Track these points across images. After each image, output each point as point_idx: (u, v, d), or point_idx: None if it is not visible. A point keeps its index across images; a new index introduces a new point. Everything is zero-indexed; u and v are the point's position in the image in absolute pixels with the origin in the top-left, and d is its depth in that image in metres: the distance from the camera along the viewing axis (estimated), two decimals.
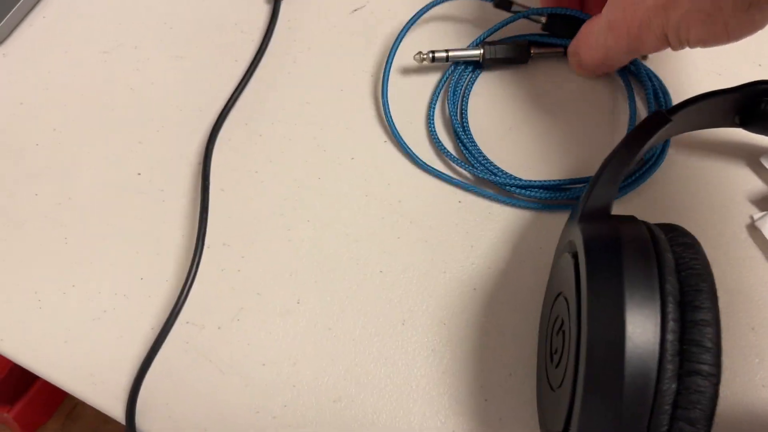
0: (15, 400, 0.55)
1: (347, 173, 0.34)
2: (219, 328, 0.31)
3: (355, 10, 0.38)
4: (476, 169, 0.34)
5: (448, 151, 0.34)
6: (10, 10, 0.37)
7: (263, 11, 0.38)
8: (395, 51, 0.35)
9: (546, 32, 0.36)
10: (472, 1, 0.37)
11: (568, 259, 0.25)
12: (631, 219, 0.25)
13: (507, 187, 0.33)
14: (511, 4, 0.36)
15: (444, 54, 0.35)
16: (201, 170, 0.33)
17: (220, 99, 0.36)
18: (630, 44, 0.29)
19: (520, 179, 0.33)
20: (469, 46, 0.36)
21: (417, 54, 0.35)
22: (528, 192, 0.33)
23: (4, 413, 0.55)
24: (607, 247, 0.23)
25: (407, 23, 0.35)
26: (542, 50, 0.36)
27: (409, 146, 0.34)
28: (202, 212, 0.32)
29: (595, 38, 0.32)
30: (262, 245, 0.33)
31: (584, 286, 0.23)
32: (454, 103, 0.35)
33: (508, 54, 0.35)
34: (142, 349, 0.31)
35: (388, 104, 0.35)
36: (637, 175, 0.33)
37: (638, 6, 0.28)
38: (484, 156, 0.34)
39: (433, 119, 0.35)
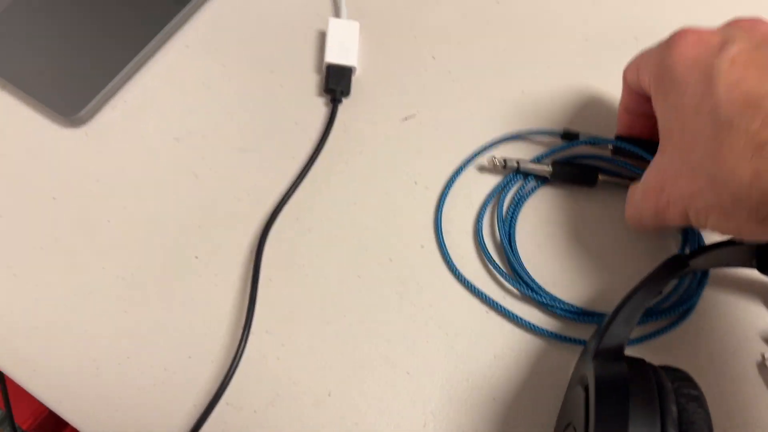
0: None
1: (385, 274, 0.37)
2: (255, 411, 0.34)
3: (406, 119, 0.41)
4: (521, 285, 0.36)
5: (494, 262, 0.37)
6: (96, 95, 0.41)
7: (321, 113, 0.41)
8: (454, 181, 0.39)
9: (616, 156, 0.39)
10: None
11: (579, 391, 0.27)
12: (641, 363, 0.27)
13: (549, 307, 0.36)
14: (577, 135, 0.39)
15: (515, 164, 0.38)
16: (253, 260, 0.36)
17: (276, 192, 0.39)
18: (657, 213, 0.32)
19: (563, 301, 0.35)
20: (533, 160, 0.39)
21: (491, 157, 0.38)
22: (566, 314, 0.35)
23: None
24: (616, 391, 0.26)
25: (468, 158, 0.39)
26: (610, 179, 0.39)
27: (450, 254, 0.37)
28: (250, 302, 0.35)
29: (633, 198, 0.35)
30: (301, 336, 0.35)
31: (592, 424, 0.25)
32: (508, 212, 0.38)
33: (576, 176, 0.38)
34: (184, 423, 0.33)
35: (441, 220, 0.38)
36: (674, 317, 0.35)
37: (670, 183, 0.31)
38: (527, 272, 0.36)
39: (481, 229, 0.37)
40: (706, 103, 0.28)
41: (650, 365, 0.27)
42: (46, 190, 0.39)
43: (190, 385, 0.34)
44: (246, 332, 0.34)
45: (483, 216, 0.38)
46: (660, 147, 0.32)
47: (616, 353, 0.28)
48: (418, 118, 0.41)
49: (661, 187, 0.31)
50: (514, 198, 0.39)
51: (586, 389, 0.27)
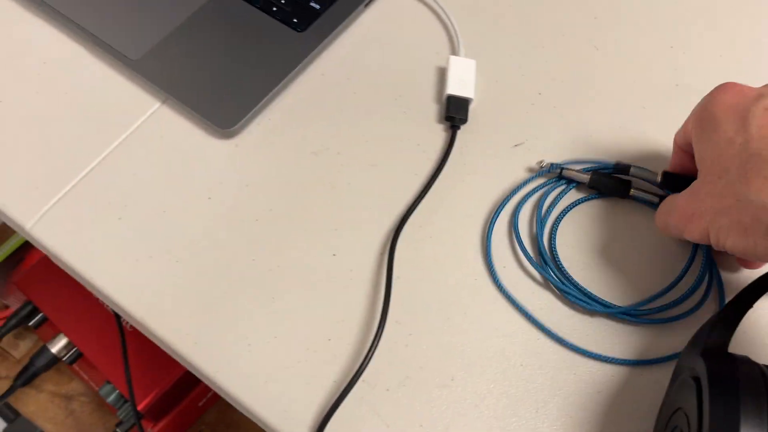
0: (159, 418, 0.63)
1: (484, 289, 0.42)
2: (387, 390, 0.39)
3: (516, 145, 0.47)
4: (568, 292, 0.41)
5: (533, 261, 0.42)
6: (248, 112, 0.47)
7: (441, 137, 0.47)
8: (503, 206, 0.44)
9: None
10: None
11: (689, 381, 0.32)
12: (747, 360, 0.31)
13: (620, 315, 0.40)
14: (629, 168, 0.44)
15: (558, 169, 0.45)
16: (386, 259, 0.42)
17: (402, 203, 0.44)
18: (680, 226, 0.37)
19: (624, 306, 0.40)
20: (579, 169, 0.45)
21: (540, 161, 0.44)
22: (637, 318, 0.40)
23: (148, 428, 0.63)
24: (728, 383, 0.30)
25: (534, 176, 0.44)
26: (640, 193, 0.44)
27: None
28: (386, 295, 0.40)
29: (665, 206, 0.40)
30: (426, 327, 0.40)
31: (706, 410, 0.29)
32: (546, 214, 0.44)
33: (610, 187, 0.44)
34: (324, 397, 0.38)
35: (489, 245, 0.43)
36: None
37: (699, 201, 0.36)
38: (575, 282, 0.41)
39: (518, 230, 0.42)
40: (739, 137, 0.34)
41: (755, 362, 0.32)
42: (202, 190, 0.45)
43: (329, 365, 0.39)
44: (383, 321, 0.39)
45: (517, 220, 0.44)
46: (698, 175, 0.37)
47: (722, 349, 0.33)
48: (526, 145, 0.47)
49: (691, 203, 0.36)
50: (552, 201, 0.44)
51: (696, 380, 0.31)
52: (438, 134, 0.47)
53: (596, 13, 0.53)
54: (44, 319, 0.62)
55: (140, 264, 0.43)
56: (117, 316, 0.59)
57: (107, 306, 0.63)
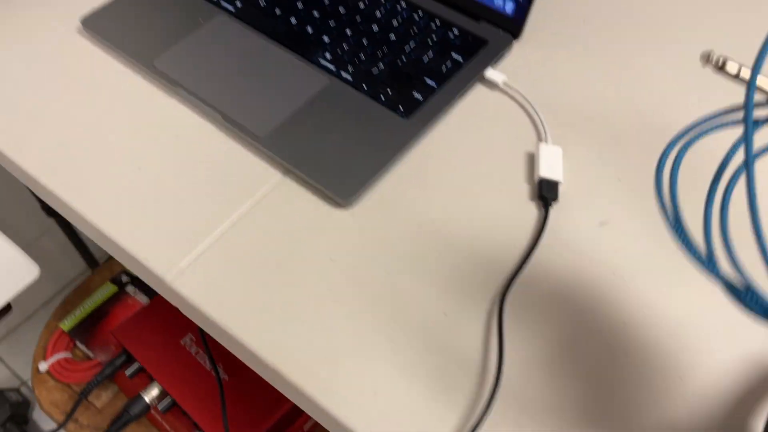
0: None
1: (600, 339, 0.47)
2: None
3: (601, 224, 0.52)
4: None
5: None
6: (364, 186, 0.53)
7: (534, 214, 0.53)
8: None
9: None
10: None
11: None
12: None
13: None
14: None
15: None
16: (497, 318, 0.47)
17: (505, 269, 0.50)
18: None
19: None
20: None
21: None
22: None
23: None
24: None
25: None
26: None
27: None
28: (500, 349, 0.45)
29: None
30: (539, 380, 0.45)
31: None
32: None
33: None
34: None
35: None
36: None
37: None
38: None
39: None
40: None
41: None
42: (324, 253, 0.51)
43: (443, 414, 0.44)
44: (500, 370, 0.44)
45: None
46: None
47: None
48: (610, 224, 0.52)
49: None
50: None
51: None
52: (531, 212, 0.53)
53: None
54: (139, 369, 0.66)
55: (268, 314, 0.48)
56: (215, 367, 0.63)
57: (198, 356, 0.67)
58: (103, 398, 0.72)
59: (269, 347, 0.47)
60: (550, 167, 0.54)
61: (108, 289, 0.80)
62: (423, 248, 0.51)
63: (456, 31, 0.63)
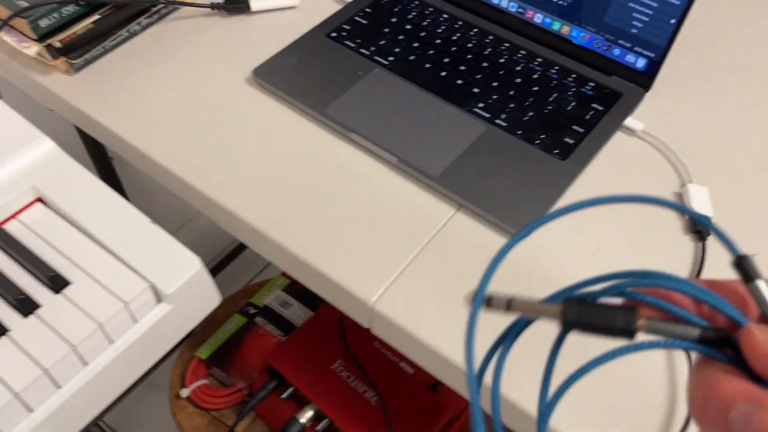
0: None
1: None
2: None
3: (752, 255, 0.58)
4: None
5: None
6: (535, 216, 0.59)
7: (689, 246, 0.58)
8: None
9: None
10: None
11: None
12: None
13: None
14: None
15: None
16: None
17: None
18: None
19: None
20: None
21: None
22: None
23: None
24: None
25: None
26: None
27: None
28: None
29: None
30: None
31: None
32: None
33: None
34: None
35: None
36: None
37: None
38: None
39: None
40: None
41: None
42: (499, 277, 0.56)
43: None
44: None
45: None
46: None
47: None
48: (760, 256, 0.58)
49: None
50: None
51: None
52: (686, 244, 0.59)
53: None
54: (293, 393, 0.70)
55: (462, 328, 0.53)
56: (372, 385, 0.67)
57: (349, 381, 0.72)
58: (242, 425, 0.76)
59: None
60: (700, 204, 0.60)
61: (237, 321, 0.84)
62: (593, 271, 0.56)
63: (592, 84, 0.70)
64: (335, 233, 0.59)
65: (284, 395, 0.70)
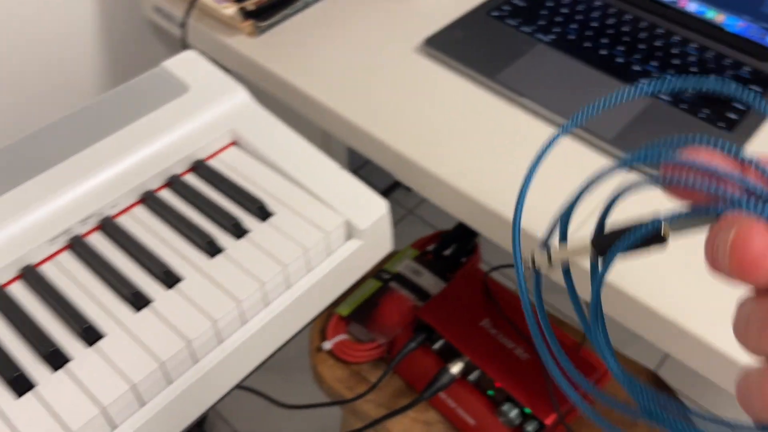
0: None
1: None
2: None
3: None
4: None
5: None
6: None
7: None
8: None
9: None
10: None
11: None
12: None
13: None
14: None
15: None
16: None
17: None
18: None
19: None
20: None
21: None
22: None
23: None
24: None
25: None
26: None
27: None
28: None
29: None
30: None
31: None
32: None
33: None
34: None
35: None
36: None
37: None
38: None
39: None
40: None
41: None
42: None
43: None
44: None
45: None
46: None
47: None
48: None
49: None
50: None
51: None
52: None
53: None
54: (443, 346, 0.74)
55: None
56: (523, 340, 0.71)
57: (498, 337, 0.75)
58: (378, 376, 0.80)
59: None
60: None
61: (373, 284, 0.89)
62: None
63: (748, 69, 0.73)
64: (513, 186, 0.63)
65: (435, 347, 0.74)
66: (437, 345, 0.74)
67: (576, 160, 0.65)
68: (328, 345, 0.84)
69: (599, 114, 0.68)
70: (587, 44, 0.75)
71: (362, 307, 0.87)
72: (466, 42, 0.76)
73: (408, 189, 1.75)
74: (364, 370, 0.83)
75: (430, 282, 0.89)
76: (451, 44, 0.75)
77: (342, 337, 0.85)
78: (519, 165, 0.65)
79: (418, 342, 0.75)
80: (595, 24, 0.78)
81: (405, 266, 0.92)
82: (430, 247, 0.96)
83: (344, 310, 0.86)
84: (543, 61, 0.73)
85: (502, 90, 0.70)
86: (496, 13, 0.79)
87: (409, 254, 0.94)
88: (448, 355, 0.74)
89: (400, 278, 0.90)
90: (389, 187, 1.66)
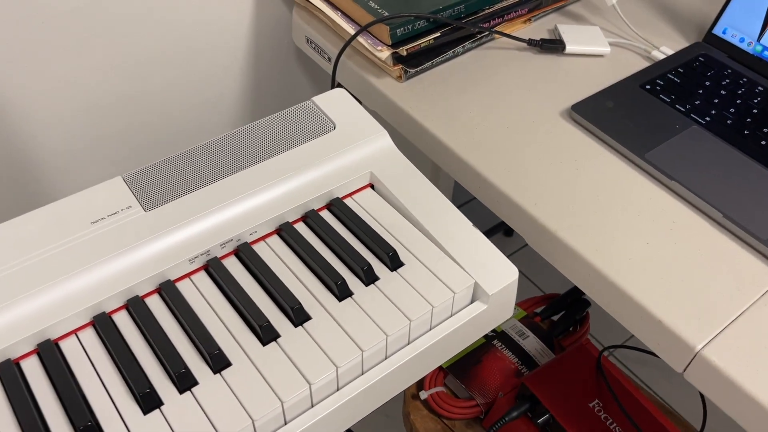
0: None
1: None
2: None
3: None
4: None
5: None
6: None
7: None
8: None
9: None
10: None
11: None
12: None
13: None
14: None
15: None
16: None
17: None
18: None
19: None
20: None
21: None
22: None
23: None
24: None
25: None
26: None
27: None
28: None
29: None
30: None
31: None
32: None
33: None
34: None
35: None
36: None
37: None
38: None
39: None
40: None
41: None
42: None
43: None
44: None
45: None
46: None
47: None
48: None
49: None
50: None
51: None
52: None
53: None
54: (548, 420, 0.71)
55: None
56: (635, 425, 0.67)
57: (608, 424, 0.72)
58: None
59: None
60: None
61: (477, 340, 0.88)
62: None
63: None
64: (658, 273, 0.60)
65: (539, 420, 0.71)
66: (541, 419, 0.72)
67: (723, 254, 0.61)
68: (424, 395, 0.82)
69: (761, 210, 0.61)
70: (746, 131, 0.72)
71: (463, 361, 0.85)
72: (615, 113, 0.73)
73: (508, 235, 1.72)
74: (456, 427, 0.82)
75: (534, 346, 0.87)
76: (600, 113, 0.73)
77: (439, 388, 0.83)
78: (661, 250, 0.62)
79: (521, 411, 0.73)
80: (756, 111, 0.74)
81: (511, 326, 0.90)
82: (538, 309, 0.94)
83: (446, 361, 0.85)
84: (696, 144, 0.70)
85: (650, 169, 0.68)
86: (649, 87, 0.77)
87: (515, 314, 0.92)
88: (551, 431, 0.71)
89: (504, 337, 0.88)
90: (489, 229, 1.64)
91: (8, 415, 0.49)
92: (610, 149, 0.71)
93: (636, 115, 0.73)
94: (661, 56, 0.82)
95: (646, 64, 0.82)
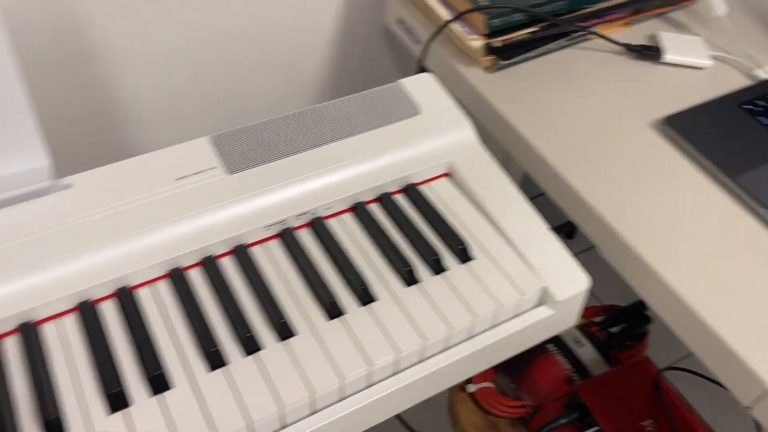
0: None
1: None
2: None
3: None
4: None
5: None
6: None
7: None
8: None
9: None
10: None
11: None
12: None
13: None
14: None
15: None
16: None
17: None
18: None
19: None
20: None
21: None
22: None
23: None
24: None
25: None
26: None
27: None
28: None
29: None
30: None
31: None
32: None
33: None
34: None
35: None
36: None
37: None
38: None
39: None
40: None
41: None
42: None
43: None
44: None
45: None
46: None
47: None
48: None
49: None
50: None
51: None
52: None
53: None
54: (597, 431, 0.71)
55: None
56: None
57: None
58: None
59: None
60: None
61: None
62: None
63: None
64: (737, 301, 0.58)
65: (588, 431, 0.71)
66: (589, 430, 0.71)
67: None
68: (472, 388, 0.82)
69: None
70: None
71: (515, 360, 0.85)
72: (710, 130, 0.71)
73: (570, 237, 1.69)
74: (501, 424, 0.81)
75: (590, 356, 0.85)
76: (693, 129, 0.71)
77: (487, 384, 0.83)
78: (742, 278, 0.59)
79: (570, 419, 0.72)
80: None
81: (567, 332, 0.88)
82: (597, 319, 0.92)
83: None
84: None
85: (742, 194, 0.65)
86: (749, 107, 0.73)
87: None
88: None
89: (559, 342, 0.87)
90: (555, 227, 1.61)
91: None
92: (699, 167, 0.68)
93: (732, 135, 0.70)
94: (766, 76, 0.78)
95: (747, 82, 0.78)
